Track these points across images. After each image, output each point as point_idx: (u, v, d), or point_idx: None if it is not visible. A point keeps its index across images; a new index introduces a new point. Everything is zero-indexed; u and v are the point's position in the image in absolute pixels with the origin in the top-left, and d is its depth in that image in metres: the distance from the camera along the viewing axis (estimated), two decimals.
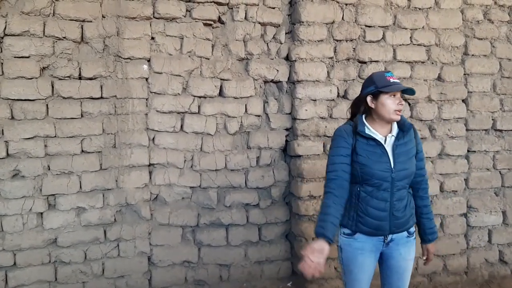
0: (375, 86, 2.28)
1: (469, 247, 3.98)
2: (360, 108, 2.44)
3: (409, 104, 3.80)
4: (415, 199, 2.49)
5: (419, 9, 3.80)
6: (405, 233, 2.41)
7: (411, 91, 2.32)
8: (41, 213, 3.27)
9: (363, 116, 2.40)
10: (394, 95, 2.27)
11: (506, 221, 4.04)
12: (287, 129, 3.77)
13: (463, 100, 3.91)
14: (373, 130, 2.34)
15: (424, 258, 2.60)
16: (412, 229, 2.46)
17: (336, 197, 2.29)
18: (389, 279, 2.47)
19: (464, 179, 3.94)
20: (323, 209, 2.28)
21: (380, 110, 2.30)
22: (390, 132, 2.36)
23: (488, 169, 4.00)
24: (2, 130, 3.12)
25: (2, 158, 3.14)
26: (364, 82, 2.40)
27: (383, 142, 2.32)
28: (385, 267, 2.47)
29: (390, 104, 2.27)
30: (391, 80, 2.27)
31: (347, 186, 2.33)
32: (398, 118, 2.31)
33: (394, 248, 2.39)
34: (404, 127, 2.36)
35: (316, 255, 2.13)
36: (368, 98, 2.33)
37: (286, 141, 3.77)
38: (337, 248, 2.49)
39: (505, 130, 4.02)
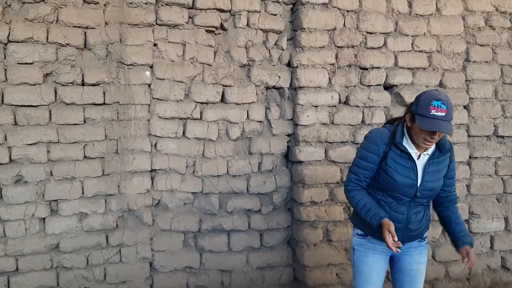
0: (415, 109, 2.17)
1: None
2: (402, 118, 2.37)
3: None
4: (443, 209, 2.45)
5: (421, 15, 3.81)
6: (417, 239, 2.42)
7: (447, 132, 2.13)
8: (44, 219, 3.28)
9: (404, 125, 2.31)
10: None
11: (508, 228, 4.02)
12: (288, 135, 3.78)
13: (464, 106, 3.91)
14: (410, 143, 2.27)
15: (465, 260, 2.34)
16: (425, 235, 2.46)
17: (362, 191, 2.36)
18: (400, 283, 2.46)
19: (466, 185, 3.94)
20: (362, 204, 2.30)
21: (413, 133, 2.24)
22: (426, 150, 2.28)
23: (490, 175, 3.99)
24: (5, 136, 3.14)
25: (5, 164, 3.16)
26: (416, 96, 2.27)
27: (415, 158, 2.27)
28: (397, 271, 2.47)
29: (423, 135, 2.16)
30: (432, 112, 2.08)
31: (366, 188, 2.39)
32: (428, 147, 2.23)
33: (406, 251, 2.37)
34: (443, 148, 2.30)
35: (392, 234, 2.13)
36: (407, 117, 2.26)
37: (288, 147, 3.78)
38: (350, 250, 2.53)
39: (507, 136, 4.01)
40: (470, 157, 3.94)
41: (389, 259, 2.46)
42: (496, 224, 3.99)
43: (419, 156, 2.28)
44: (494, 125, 3.99)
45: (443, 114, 2.08)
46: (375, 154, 2.30)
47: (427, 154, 2.29)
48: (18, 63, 3.14)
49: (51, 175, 3.26)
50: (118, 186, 3.42)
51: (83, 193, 3.34)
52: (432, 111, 2.08)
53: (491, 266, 4.01)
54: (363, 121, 3.72)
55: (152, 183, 3.53)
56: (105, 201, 3.40)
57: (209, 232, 3.64)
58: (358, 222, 2.45)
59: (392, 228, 2.14)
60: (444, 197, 2.43)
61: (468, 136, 3.93)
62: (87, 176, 3.34)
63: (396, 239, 2.12)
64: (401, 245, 2.15)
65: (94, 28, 3.31)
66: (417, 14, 3.81)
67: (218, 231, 3.65)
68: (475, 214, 3.94)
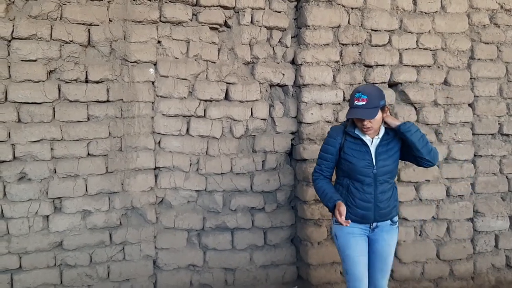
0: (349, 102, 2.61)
1: (476, 252, 3.96)
2: None
3: (415, 108, 3.79)
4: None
5: (425, 13, 3.80)
6: (388, 221, 2.71)
7: (365, 118, 2.49)
8: (47, 216, 3.27)
9: None
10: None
11: None
12: (292, 133, 3.77)
13: (469, 104, 3.89)
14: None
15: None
16: (395, 218, 2.75)
17: (324, 179, 2.74)
18: (373, 262, 2.73)
19: (471, 184, 3.92)
20: (321, 190, 2.68)
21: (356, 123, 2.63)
22: (378, 134, 2.64)
23: (494, 173, 3.98)
24: (9, 133, 3.13)
25: (9, 161, 3.15)
26: None
27: (368, 143, 2.62)
28: (371, 252, 2.74)
29: (358, 123, 2.58)
30: (355, 102, 2.50)
31: (329, 177, 2.76)
32: (369, 133, 2.59)
33: (379, 234, 2.70)
34: (390, 130, 2.65)
35: (340, 212, 2.50)
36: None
37: (292, 145, 3.77)
38: (332, 238, 2.82)
39: None
40: (475, 155, 3.92)
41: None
42: (500, 223, 3.97)
43: (372, 142, 2.63)
44: (499, 123, 3.97)
45: (364, 103, 2.48)
46: (332, 146, 2.70)
47: (378, 137, 2.64)
48: (22, 60, 3.14)
49: (55, 172, 3.26)
50: (122, 184, 3.41)
51: (86, 190, 3.33)
52: (355, 102, 2.51)
53: (495, 264, 4.00)
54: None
55: (156, 181, 3.52)
56: (109, 198, 3.39)
57: (213, 230, 3.62)
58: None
59: (342, 208, 2.51)
60: (419, 157, 2.63)
61: (473, 134, 3.92)
62: (91, 174, 3.33)
63: (343, 217, 2.48)
64: (350, 221, 2.51)
65: (98, 25, 3.30)
66: (421, 12, 3.79)
67: (222, 229, 3.64)
68: (480, 212, 3.92)
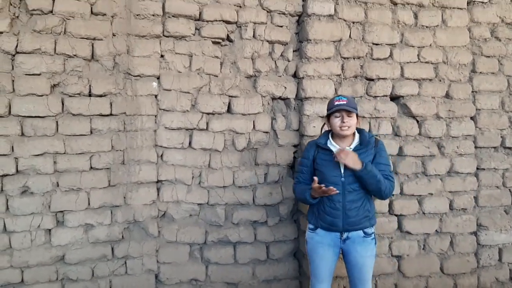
0: (327, 110, 2.82)
1: (480, 266, 3.92)
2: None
3: (417, 121, 3.80)
4: None
5: (426, 27, 3.82)
6: (361, 233, 2.79)
7: (351, 110, 2.72)
8: (49, 230, 3.27)
9: (330, 132, 2.90)
10: (338, 116, 2.75)
11: None
12: (295, 146, 3.77)
13: (471, 118, 3.90)
14: (333, 143, 2.83)
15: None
16: (369, 230, 2.82)
17: (301, 184, 2.91)
18: (350, 272, 2.87)
19: (474, 197, 3.90)
20: (298, 191, 2.89)
21: (332, 128, 2.83)
22: (350, 145, 2.80)
23: (497, 186, 3.96)
24: (12, 146, 3.14)
25: (12, 175, 3.16)
26: None
27: None
28: (346, 262, 2.88)
29: (335, 122, 2.76)
30: (336, 103, 2.74)
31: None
32: (345, 132, 2.75)
33: (351, 245, 2.80)
34: (363, 142, 2.81)
35: (320, 186, 2.67)
36: (325, 120, 2.93)
37: (294, 157, 3.77)
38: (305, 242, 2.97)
39: None
40: (477, 168, 3.91)
41: (342, 253, 2.87)
42: (504, 236, 3.95)
43: None
44: (501, 136, 3.97)
45: (344, 102, 2.72)
46: (306, 158, 2.91)
47: (350, 148, 2.78)
48: (26, 74, 3.16)
49: (57, 186, 3.26)
50: (124, 197, 3.41)
51: (89, 204, 3.33)
52: (336, 102, 2.74)
53: (499, 278, 3.96)
54: (369, 132, 3.70)
55: (158, 194, 3.52)
56: (111, 212, 3.39)
57: (215, 244, 3.61)
58: (309, 217, 2.92)
59: (315, 184, 2.68)
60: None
61: (475, 147, 3.91)
62: (93, 187, 3.33)
63: (324, 187, 2.63)
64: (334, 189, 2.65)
65: (101, 40, 3.33)
66: (422, 26, 3.82)
67: (224, 243, 3.62)
68: (483, 226, 3.90)
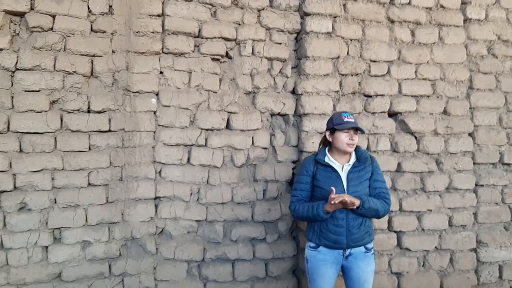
0: (332, 124, 2.79)
1: (480, 283, 3.90)
2: (326, 142, 2.92)
3: (416, 138, 3.80)
4: None
5: (424, 44, 3.86)
6: (362, 248, 2.80)
7: (361, 130, 2.78)
8: (46, 247, 3.24)
9: (326, 148, 2.89)
10: (347, 132, 2.74)
11: None
12: (293, 162, 3.77)
13: (469, 134, 3.91)
14: (332, 159, 2.82)
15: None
16: (370, 245, 2.84)
17: (301, 203, 2.82)
18: None
19: (473, 213, 3.90)
20: (303, 208, 2.77)
21: (335, 143, 2.80)
22: (348, 162, 2.82)
23: (496, 203, 3.96)
24: (10, 163, 3.13)
25: (10, 191, 3.14)
26: (327, 121, 2.89)
27: (339, 170, 2.78)
28: (347, 278, 2.85)
29: (343, 138, 2.75)
30: (345, 119, 2.74)
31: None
32: (351, 149, 2.78)
33: (353, 261, 2.78)
34: (361, 158, 2.83)
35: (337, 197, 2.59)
36: (327, 133, 2.87)
37: (293, 173, 3.76)
38: (304, 261, 2.91)
39: None
40: (476, 184, 3.91)
41: (342, 269, 2.84)
42: (504, 253, 3.93)
43: (342, 169, 2.79)
44: (499, 153, 3.98)
45: (353, 120, 2.76)
46: (305, 175, 2.85)
47: (349, 164, 2.81)
48: (25, 91, 3.16)
49: (55, 202, 3.24)
50: (122, 214, 3.39)
51: (86, 221, 3.30)
52: (344, 119, 2.75)
53: None
54: (368, 148, 3.71)
55: (156, 211, 3.50)
56: (109, 229, 3.36)
57: (213, 261, 3.58)
58: (310, 235, 2.85)
59: (333, 196, 2.59)
60: (379, 194, 2.82)
61: (474, 163, 3.92)
62: (91, 204, 3.31)
63: (340, 197, 2.56)
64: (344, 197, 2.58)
65: (101, 56, 3.34)
66: (420, 43, 3.86)
67: (223, 260, 3.59)
68: (483, 242, 3.89)
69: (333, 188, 2.62)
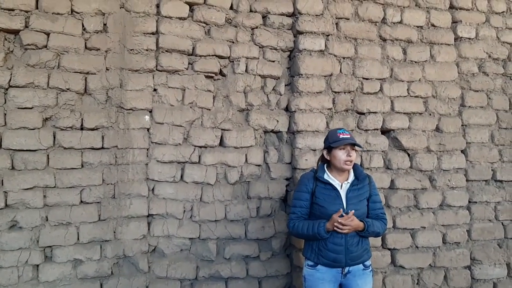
0: (328, 143, 2.79)
1: None
2: (324, 160, 2.90)
3: (409, 155, 3.82)
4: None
5: (415, 62, 3.90)
6: (361, 266, 2.77)
7: (358, 145, 2.77)
8: (37, 265, 3.19)
9: (325, 165, 2.87)
10: (343, 148, 2.73)
11: (511, 274, 3.95)
12: (287, 179, 3.76)
13: (462, 151, 3.94)
14: (331, 176, 2.80)
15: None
16: (368, 263, 2.82)
17: (299, 220, 2.78)
18: None
19: (467, 231, 3.90)
20: (304, 228, 2.71)
21: (333, 161, 2.78)
22: (347, 180, 2.80)
23: (490, 220, 3.97)
24: (2, 180, 3.10)
25: (1, 209, 3.11)
26: (324, 139, 2.89)
27: (338, 188, 2.75)
28: None
29: (340, 155, 2.74)
30: (341, 136, 2.73)
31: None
32: (349, 167, 2.76)
33: (352, 279, 2.76)
34: (360, 176, 2.82)
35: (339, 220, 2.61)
36: (324, 152, 2.85)
37: (287, 191, 3.76)
38: (302, 280, 2.86)
39: (506, 181, 4.03)
40: (469, 201, 3.92)
41: (341, 287, 2.80)
42: (498, 271, 3.93)
43: (341, 187, 2.77)
44: (492, 170, 4.00)
45: (349, 136, 2.74)
46: (304, 192, 2.81)
47: (348, 182, 2.79)
48: (18, 108, 3.16)
49: (47, 220, 3.21)
50: (114, 232, 3.36)
51: (78, 239, 3.27)
52: (340, 136, 2.73)
53: None
54: (361, 165, 3.72)
55: (149, 229, 3.47)
56: (101, 247, 3.33)
57: (206, 279, 3.54)
58: (308, 254, 2.81)
59: (335, 217, 2.60)
60: (377, 214, 2.84)
61: (467, 180, 3.94)
62: (83, 222, 3.28)
63: (343, 220, 2.59)
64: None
65: (95, 74, 3.35)
66: (411, 61, 3.90)
67: (216, 278, 3.55)
68: (477, 260, 3.88)
69: (341, 210, 2.62)
